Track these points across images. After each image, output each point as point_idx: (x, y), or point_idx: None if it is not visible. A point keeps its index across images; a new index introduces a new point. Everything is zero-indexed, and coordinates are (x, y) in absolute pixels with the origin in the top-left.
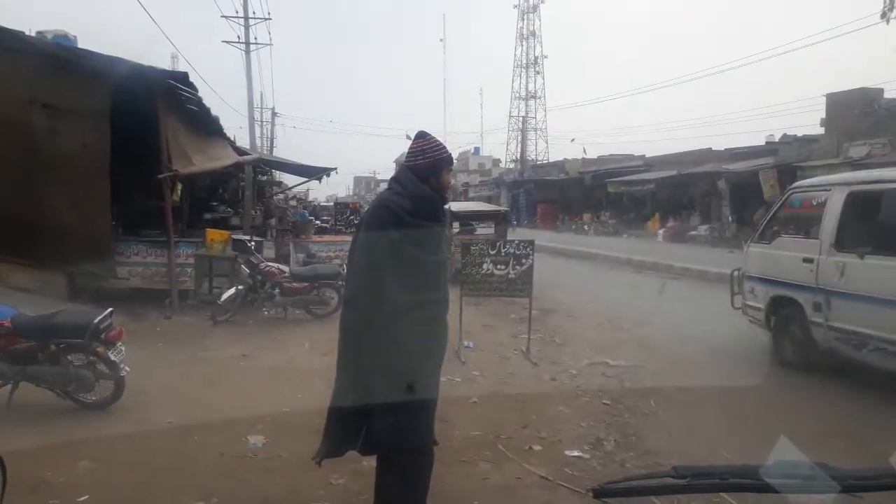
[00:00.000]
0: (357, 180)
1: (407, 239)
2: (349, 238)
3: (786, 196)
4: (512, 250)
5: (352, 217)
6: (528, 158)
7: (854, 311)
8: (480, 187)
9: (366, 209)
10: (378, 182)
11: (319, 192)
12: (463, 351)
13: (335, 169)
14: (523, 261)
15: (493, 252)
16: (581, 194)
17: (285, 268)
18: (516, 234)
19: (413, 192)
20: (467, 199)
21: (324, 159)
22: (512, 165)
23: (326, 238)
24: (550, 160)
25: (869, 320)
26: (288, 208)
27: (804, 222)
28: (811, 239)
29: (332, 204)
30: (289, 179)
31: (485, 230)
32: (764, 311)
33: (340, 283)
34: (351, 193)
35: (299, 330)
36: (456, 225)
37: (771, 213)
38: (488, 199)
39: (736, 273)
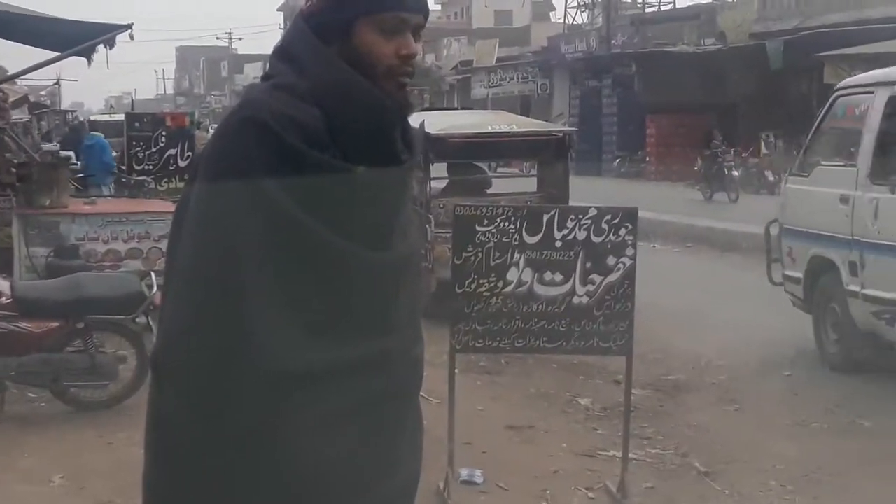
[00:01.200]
0: (186, 56)
1: (307, 204)
2: (170, 206)
3: (830, 101)
4: (581, 235)
5: (174, 152)
6: (623, 3)
7: (889, 271)
8: (502, 75)
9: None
10: (242, 64)
11: (91, 91)
12: (457, 491)
13: (127, 28)
14: (610, 262)
15: (530, 238)
16: (757, 89)
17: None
18: (591, 191)
19: (322, 79)
20: (468, 107)
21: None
22: (581, 22)
23: (107, 207)
24: (678, 5)
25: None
26: (16, 129)
27: (848, 141)
28: (849, 167)
29: (119, 118)
30: (19, 61)
31: (512, 184)
32: (802, 282)
33: (145, 320)
34: (171, 93)
35: (33, 442)
36: (438, 168)
37: (814, 129)
38: (522, 106)
39: (772, 228)
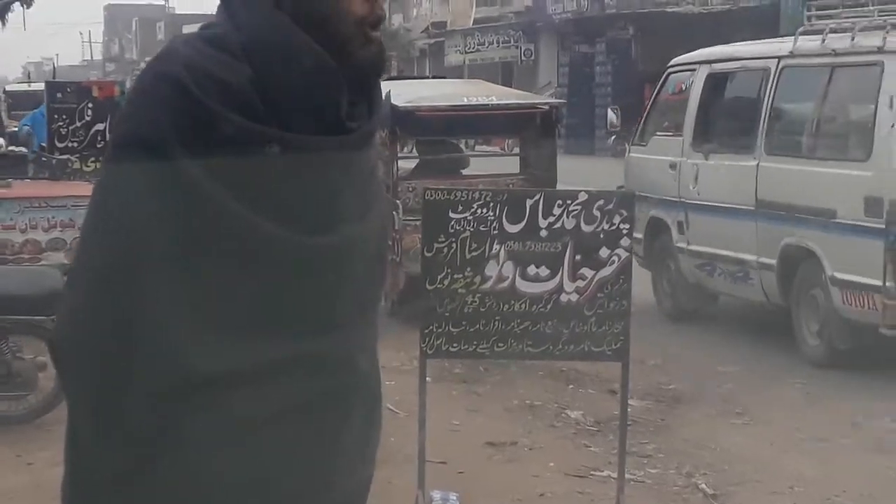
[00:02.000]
0: (116, 16)
1: (224, 179)
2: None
3: (663, 77)
4: (569, 224)
5: (102, 127)
6: None
7: (705, 228)
8: (480, 39)
9: None
10: (181, 25)
11: (5, 56)
12: None
13: None
14: (603, 255)
15: (512, 226)
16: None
17: None
18: (582, 173)
19: (256, 33)
20: (441, 76)
21: None
22: None
23: (24, 190)
24: None
25: (716, 238)
26: None
27: (676, 113)
28: (676, 137)
29: (38, 88)
30: None
31: (492, 164)
32: (643, 242)
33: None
34: (99, 59)
35: None
36: (405, 146)
37: (650, 102)
38: (504, 75)
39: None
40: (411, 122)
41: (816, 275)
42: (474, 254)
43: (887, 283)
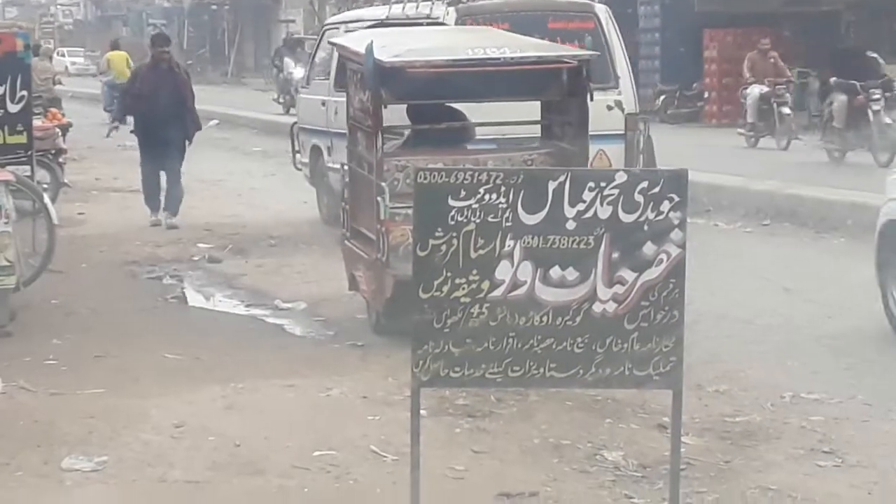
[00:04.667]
0: None
1: None
2: None
3: (321, 33)
4: (604, 213)
5: (0, 91)
6: None
7: (342, 150)
8: None
9: None
10: None
11: None
12: None
13: None
14: (648, 252)
15: (530, 216)
16: None
17: None
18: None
19: None
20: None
21: None
22: None
23: None
24: None
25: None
26: None
27: (328, 62)
28: (326, 80)
29: None
30: None
31: (506, 138)
32: (308, 165)
33: None
34: None
35: None
36: (395, 113)
37: (313, 52)
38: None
39: (294, 128)
40: (400, 83)
41: None
42: (481, 252)
43: None
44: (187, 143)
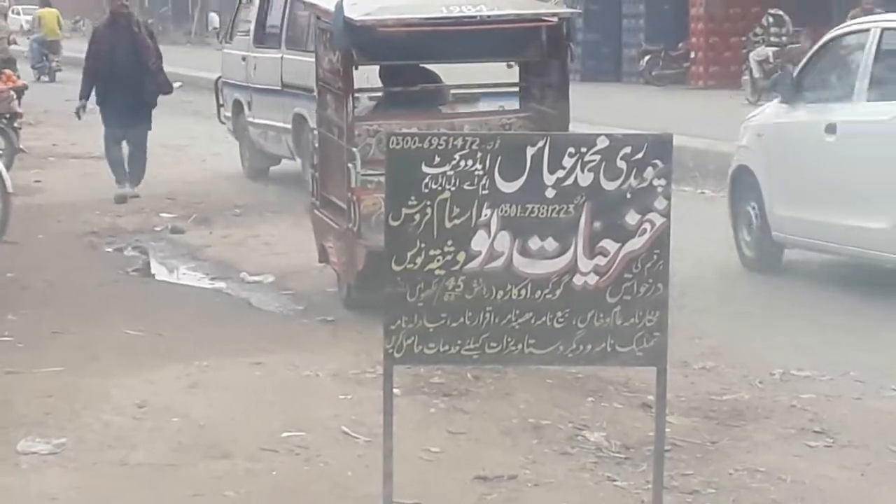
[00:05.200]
0: None
1: None
2: None
3: None
4: (585, 180)
5: None
6: None
7: (260, 105)
8: None
9: None
10: None
11: None
12: None
13: None
14: (630, 222)
15: (507, 184)
16: None
17: None
18: (605, 108)
19: None
20: None
21: None
22: None
23: None
24: None
25: (264, 112)
26: None
27: (249, 19)
28: (247, 36)
29: None
30: None
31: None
32: (231, 118)
33: None
34: None
35: None
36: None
37: (236, 9)
38: None
39: (219, 82)
40: (372, 42)
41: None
42: (456, 222)
43: None
44: (150, 108)
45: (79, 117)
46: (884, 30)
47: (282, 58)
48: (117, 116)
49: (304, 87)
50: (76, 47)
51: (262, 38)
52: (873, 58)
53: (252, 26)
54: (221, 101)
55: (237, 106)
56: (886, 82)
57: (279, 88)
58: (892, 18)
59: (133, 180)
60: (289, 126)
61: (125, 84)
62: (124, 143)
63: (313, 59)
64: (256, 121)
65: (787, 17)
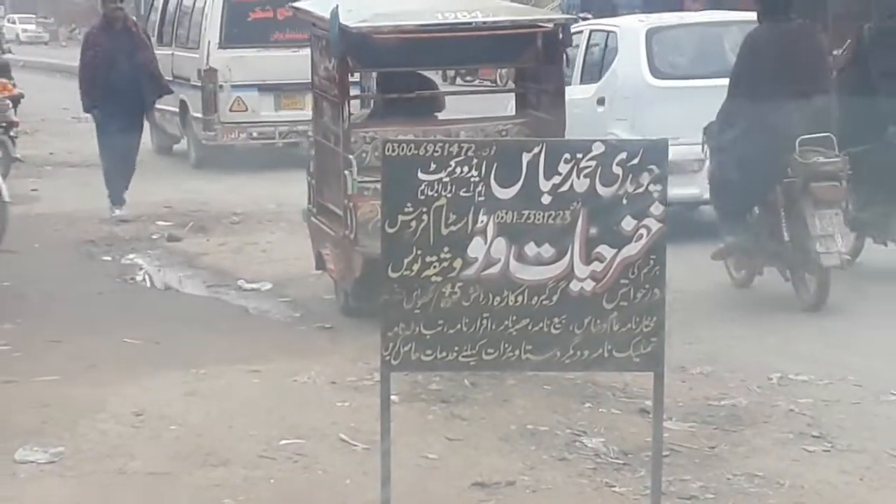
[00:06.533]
0: None
1: None
2: None
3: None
4: (581, 186)
5: None
6: None
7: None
8: None
9: None
10: None
11: None
12: None
13: None
14: (627, 227)
15: (503, 190)
16: None
17: None
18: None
19: None
20: None
21: None
22: None
23: None
24: None
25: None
26: None
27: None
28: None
29: None
30: None
31: (477, 104)
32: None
33: None
34: None
35: None
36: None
37: (146, 15)
38: None
39: None
40: (367, 49)
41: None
42: (453, 228)
43: None
44: (146, 115)
45: (98, 120)
46: (591, 31)
47: (172, 54)
48: (117, 128)
49: (186, 78)
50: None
51: (161, 37)
52: (583, 51)
53: (155, 28)
54: None
55: None
56: (587, 70)
57: (171, 79)
58: (599, 22)
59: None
60: (177, 110)
61: (124, 89)
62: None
63: (194, 55)
64: (158, 106)
65: None
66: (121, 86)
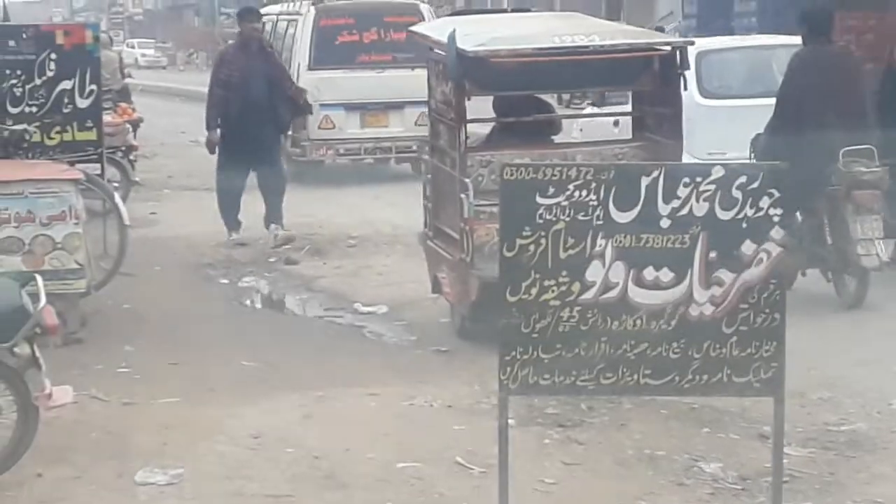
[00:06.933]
0: None
1: None
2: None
3: None
4: (700, 209)
5: (69, 85)
6: None
7: None
8: None
9: None
10: None
11: None
12: None
13: None
14: (746, 251)
15: (622, 214)
16: None
17: None
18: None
19: None
20: (523, 7)
21: None
22: None
23: None
24: None
25: None
26: None
27: None
28: None
29: None
30: None
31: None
32: None
33: (28, 350)
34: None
35: None
36: (479, 106)
37: None
38: (609, 4)
39: None
40: (484, 73)
41: None
42: (571, 252)
43: None
44: (282, 136)
45: (212, 152)
46: None
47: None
48: (243, 152)
49: None
50: (191, 80)
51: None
52: None
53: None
54: None
55: None
56: None
57: None
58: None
59: (276, 218)
60: None
61: (259, 114)
62: (244, 183)
63: None
64: None
65: None
66: (257, 108)
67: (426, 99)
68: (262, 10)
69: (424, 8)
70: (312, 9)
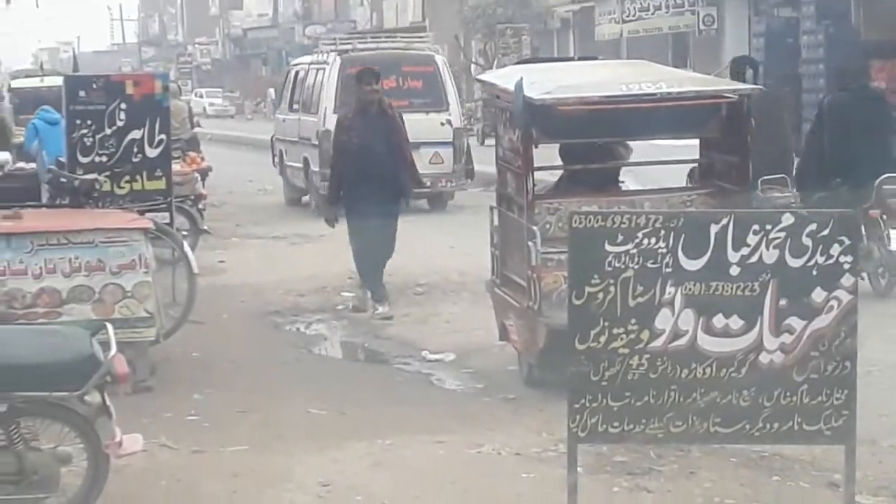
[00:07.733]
0: None
1: None
2: (135, 219)
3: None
4: (770, 257)
5: (139, 135)
6: None
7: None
8: (643, 2)
9: None
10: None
11: (11, 41)
12: None
13: None
14: (817, 299)
15: (691, 261)
16: None
17: None
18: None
19: None
20: (590, 55)
21: None
22: None
23: (38, 223)
24: None
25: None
26: None
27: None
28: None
29: (53, 83)
30: None
31: (662, 175)
32: (277, 162)
33: (99, 398)
34: (134, 41)
35: None
36: (547, 153)
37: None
38: (676, 52)
39: (273, 139)
40: (551, 121)
41: None
42: (640, 300)
43: None
44: (404, 203)
45: (332, 226)
46: None
47: (299, 119)
48: (370, 219)
49: (307, 139)
50: (258, 128)
51: (291, 105)
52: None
53: (288, 98)
54: (274, 152)
55: (280, 154)
56: None
57: (297, 140)
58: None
59: (380, 297)
60: (301, 166)
61: (379, 180)
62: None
63: (314, 119)
64: (292, 164)
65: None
66: (378, 175)
67: (439, 140)
68: (295, 61)
69: (439, 59)
70: (338, 59)
